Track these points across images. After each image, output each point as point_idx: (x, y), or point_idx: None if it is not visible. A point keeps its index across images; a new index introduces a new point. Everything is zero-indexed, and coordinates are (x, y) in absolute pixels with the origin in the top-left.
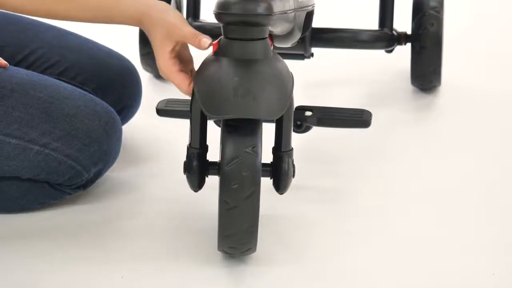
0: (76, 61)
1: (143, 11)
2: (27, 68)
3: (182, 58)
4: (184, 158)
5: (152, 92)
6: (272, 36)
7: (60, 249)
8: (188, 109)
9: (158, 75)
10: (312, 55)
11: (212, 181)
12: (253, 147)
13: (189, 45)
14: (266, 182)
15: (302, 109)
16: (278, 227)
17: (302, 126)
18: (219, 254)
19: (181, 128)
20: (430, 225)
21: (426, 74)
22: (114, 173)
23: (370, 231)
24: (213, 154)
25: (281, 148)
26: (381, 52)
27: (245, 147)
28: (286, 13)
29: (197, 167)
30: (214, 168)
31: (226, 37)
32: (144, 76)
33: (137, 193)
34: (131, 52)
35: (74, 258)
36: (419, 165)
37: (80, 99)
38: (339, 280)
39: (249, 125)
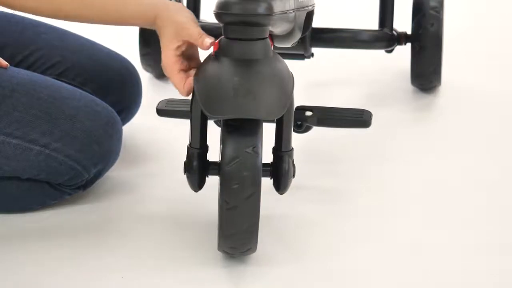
0: (76, 62)
1: (156, 11)
2: (27, 68)
3: (190, 57)
4: (184, 158)
5: (152, 92)
6: (272, 36)
7: (60, 249)
8: (188, 109)
9: (158, 76)
10: (312, 55)
11: (212, 181)
12: (254, 147)
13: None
14: (266, 182)
15: (302, 109)
16: (278, 227)
17: (302, 126)
18: (219, 254)
19: (181, 128)
20: (430, 225)
21: (426, 74)
22: (114, 173)
23: (370, 231)
24: (213, 154)
25: (282, 148)
26: (381, 52)
27: (246, 147)
28: (286, 13)
29: (197, 167)
30: (214, 168)
31: (226, 37)
32: (144, 76)
33: (137, 193)
34: (131, 53)
35: (74, 258)
36: (419, 165)
37: (81, 100)
38: (339, 280)
39: (249, 125)
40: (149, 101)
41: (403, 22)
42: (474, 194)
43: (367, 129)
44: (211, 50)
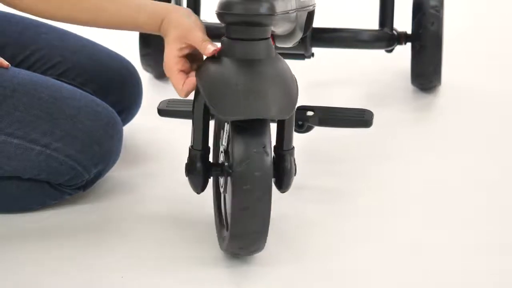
0: (76, 62)
1: (164, 15)
2: (28, 68)
3: (194, 60)
4: (185, 159)
5: (152, 92)
6: (273, 36)
7: (60, 249)
8: (190, 109)
9: (158, 76)
10: (312, 55)
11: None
12: (264, 146)
13: None
14: None
15: (303, 109)
16: (278, 227)
17: (303, 126)
18: (219, 254)
19: (181, 129)
20: (430, 225)
21: (426, 73)
22: (114, 173)
23: (370, 231)
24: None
25: (283, 147)
26: (381, 52)
27: (256, 147)
28: (288, 13)
29: (201, 169)
30: (217, 169)
31: (228, 37)
32: (145, 76)
33: (137, 193)
34: (131, 53)
35: (74, 258)
36: (419, 165)
37: (81, 100)
38: (340, 280)
39: (258, 125)
40: (149, 101)
41: (402, 21)
42: (474, 193)
43: (368, 128)
44: None
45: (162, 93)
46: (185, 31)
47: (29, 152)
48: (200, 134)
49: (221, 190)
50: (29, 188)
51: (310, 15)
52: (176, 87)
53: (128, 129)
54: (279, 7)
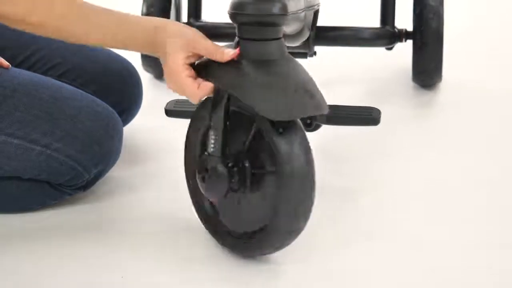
0: (76, 63)
1: (157, 25)
2: (28, 69)
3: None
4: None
5: (152, 92)
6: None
7: (60, 249)
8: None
9: (158, 76)
10: (315, 53)
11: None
12: (307, 142)
13: None
14: None
15: None
16: None
17: (312, 124)
18: (219, 253)
19: (181, 129)
20: (431, 223)
21: (427, 70)
22: (114, 173)
23: (371, 229)
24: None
25: None
26: (382, 49)
27: (299, 144)
28: (297, 12)
29: (226, 175)
30: (237, 171)
31: (241, 38)
32: (145, 77)
33: (137, 193)
34: (132, 54)
35: (74, 258)
36: (420, 162)
37: (82, 100)
38: (341, 278)
39: (295, 123)
40: (149, 101)
41: (401, 19)
42: (475, 191)
43: (369, 126)
44: None
45: (162, 93)
46: (190, 40)
47: (29, 152)
48: (221, 140)
49: (237, 189)
50: (29, 188)
51: (315, 14)
52: (191, 92)
53: (128, 129)
54: (291, 7)
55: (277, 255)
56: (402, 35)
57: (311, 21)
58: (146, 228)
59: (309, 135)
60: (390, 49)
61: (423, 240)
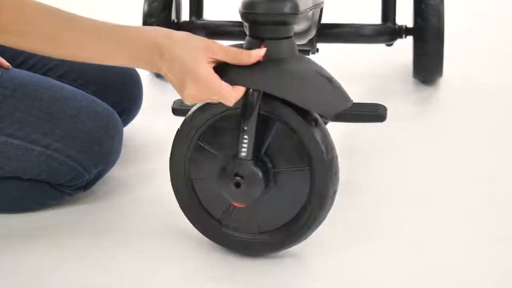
0: (76, 64)
1: (160, 42)
2: (28, 70)
3: None
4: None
5: (153, 92)
6: None
7: (60, 249)
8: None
9: (158, 75)
10: (317, 50)
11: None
12: (329, 136)
13: None
14: None
15: None
16: None
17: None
18: (219, 253)
19: None
20: (431, 220)
21: (428, 66)
22: (114, 173)
23: (370, 226)
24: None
25: None
26: (382, 45)
27: (329, 136)
28: (306, 11)
29: (262, 179)
30: (276, 174)
31: (251, 37)
32: (145, 77)
33: (137, 193)
34: None
35: (74, 258)
36: (420, 158)
37: (82, 100)
38: (340, 278)
39: (321, 116)
40: (149, 101)
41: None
42: (475, 187)
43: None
44: None
45: (162, 93)
46: (209, 46)
47: (29, 153)
48: (252, 142)
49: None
50: (29, 188)
51: (320, 12)
52: (229, 95)
53: (128, 130)
54: (301, 6)
55: (277, 255)
56: (402, 32)
57: (318, 19)
58: (146, 228)
59: None
60: (390, 45)
61: (423, 238)
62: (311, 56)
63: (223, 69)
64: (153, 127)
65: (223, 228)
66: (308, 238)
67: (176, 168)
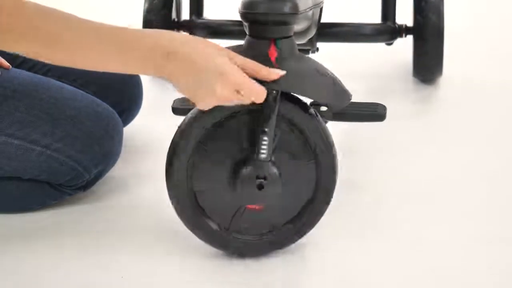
0: None
1: (170, 50)
2: (29, 70)
3: None
4: None
5: (153, 93)
6: None
7: (60, 249)
8: None
9: None
10: (317, 49)
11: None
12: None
13: None
14: None
15: (318, 104)
16: None
17: None
18: (219, 254)
19: None
20: (431, 219)
21: (428, 65)
22: (114, 173)
23: (370, 225)
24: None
25: None
26: (381, 44)
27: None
28: (306, 11)
29: (280, 179)
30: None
31: (251, 36)
32: (145, 76)
33: (137, 193)
34: None
35: (74, 258)
36: (420, 158)
37: (82, 101)
38: (340, 277)
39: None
40: (149, 101)
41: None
42: (475, 186)
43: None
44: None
45: (162, 93)
46: (222, 48)
47: (29, 153)
48: (272, 143)
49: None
50: (29, 188)
51: (320, 11)
52: (259, 89)
53: (128, 130)
54: (301, 6)
55: (277, 254)
56: (402, 31)
57: (317, 18)
58: (146, 228)
59: None
60: (390, 44)
61: (423, 238)
62: (312, 55)
63: None
64: (153, 127)
65: (232, 234)
66: (307, 238)
67: (177, 178)
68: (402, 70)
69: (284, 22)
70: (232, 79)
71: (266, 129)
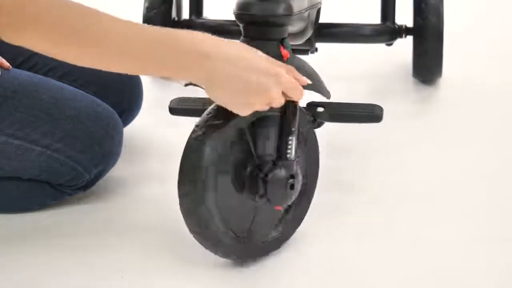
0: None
1: (207, 50)
2: (29, 70)
3: None
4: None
5: (153, 93)
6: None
7: (60, 249)
8: (202, 107)
9: None
10: (316, 50)
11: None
12: None
13: None
14: None
15: (314, 105)
16: None
17: (314, 122)
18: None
19: (181, 129)
20: (430, 219)
21: (427, 66)
22: (114, 173)
23: (370, 225)
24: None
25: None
26: (381, 45)
27: None
28: (301, 12)
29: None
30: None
31: (246, 37)
32: (145, 76)
33: (137, 193)
34: None
35: (74, 258)
36: (420, 158)
37: (82, 101)
38: (339, 277)
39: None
40: (150, 101)
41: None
42: (475, 187)
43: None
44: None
45: (163, 93)
46: (268, 58)
47: (29, 153)
48: (295, 143)
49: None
50: (29, 188)
51: (318, 12)
52: (302, 90)
53: (128, 130)
54: (296, 7)
55: (277, 254)
56: (402, 31)
57: (314, 19)
58: (146, 228)
59: None
60: (390, 45)
61: (423, 238)
62: (310, 56)
63: None
64: (153, 127)
65: (249, 241)
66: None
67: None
68: (402, 70)
69: (279, 23)
70: (284, 80)
71: (293, 129)
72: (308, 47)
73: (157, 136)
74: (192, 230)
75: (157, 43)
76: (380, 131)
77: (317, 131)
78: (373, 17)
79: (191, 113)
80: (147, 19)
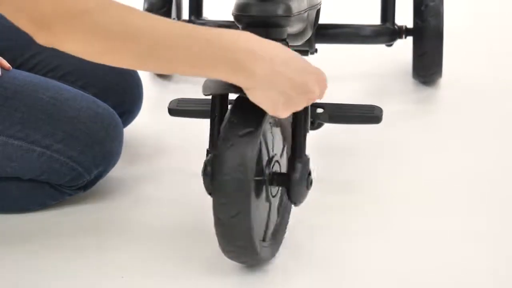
0: (77, 65)
1: (245, 47)
2: (29, 71)
3: None
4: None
5: (153, 93)
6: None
7: (60, 249)
8: (201, 108)
9: (158, 74)
10: (316, 51)
11: None
12: None
13: None
14: None
15: (314, 106)
16: None
17: (314, 123)
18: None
19: (182, 129)
20: (430, 219)
21: (427, 66)
22: (114, 173)
23: (369, 226)
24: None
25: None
26: (381, 45)
27: None
28: (301, 13)
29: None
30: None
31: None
32: (145, 76)
33: (137, 194)
34: None
35: (74, 258)
36: (420, 158)
37: (82, 101)
38: (339, 277)
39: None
40: (150, 101)
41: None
42: (475, 188)
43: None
44: None
45: (163, 93)
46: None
47: (30, 154)
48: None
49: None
50: (30, 188)
51: (317, 12)
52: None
53: (129, 130)
54: (295, 8)
55: (277, 255)
56: (402, 32)
57: (313, 20)
58: (146, 228)
59: (310, 132)
60: (390, 45)
61: (423, 237)
62: (310, 57)
63: None
64: (153, 127)
65: (263, 244)
66: (306, 239)
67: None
68: (402, 71)
69: (278, 24)
70: (322, 78)
71: (307, 127)
72: (308, 48)
73: (158, 136)
74: (234, 245)
75: (209, 44)
76: (379, 132)
77: (317, 131)
78: (373, 18)
79: (190, 114)
80: None
